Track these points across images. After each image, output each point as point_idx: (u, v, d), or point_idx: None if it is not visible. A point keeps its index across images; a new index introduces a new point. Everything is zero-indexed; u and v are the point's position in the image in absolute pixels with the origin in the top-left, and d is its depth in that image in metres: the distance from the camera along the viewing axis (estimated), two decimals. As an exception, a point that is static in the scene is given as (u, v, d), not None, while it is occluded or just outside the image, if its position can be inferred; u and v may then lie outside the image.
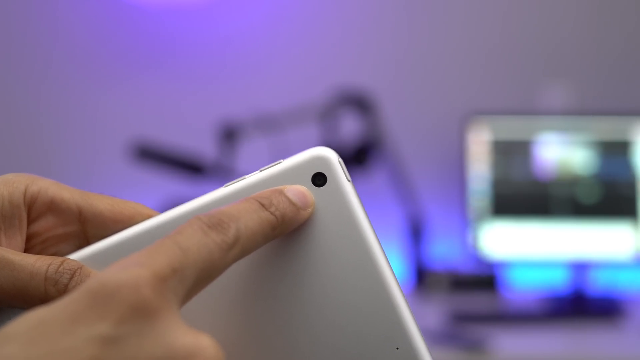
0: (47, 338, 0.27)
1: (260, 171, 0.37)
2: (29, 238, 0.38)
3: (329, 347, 0.36)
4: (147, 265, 0.29)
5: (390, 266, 0.36)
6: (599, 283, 1.88)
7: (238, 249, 0.32)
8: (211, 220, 0.32)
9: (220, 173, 1.82)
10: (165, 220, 0.37)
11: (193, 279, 0.30)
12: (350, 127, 1.90)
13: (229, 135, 1.85)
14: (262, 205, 0.34)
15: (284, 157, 0.38)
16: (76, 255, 0.37)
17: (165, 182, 1.96)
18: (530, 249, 1.85)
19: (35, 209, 0.38)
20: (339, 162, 0.37)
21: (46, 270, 0.35)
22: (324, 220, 0.36)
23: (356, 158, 1.81)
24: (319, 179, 0.36)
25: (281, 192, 0.35)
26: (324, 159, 0.36)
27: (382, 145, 1.86)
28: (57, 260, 0.35)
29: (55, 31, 2.11)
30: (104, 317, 0.27)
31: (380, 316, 0.35)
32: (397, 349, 0.35)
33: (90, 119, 2.11)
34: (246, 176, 0.37)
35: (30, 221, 0.38)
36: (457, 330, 1.58)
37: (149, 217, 0.38)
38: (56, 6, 2.10)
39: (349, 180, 0.36)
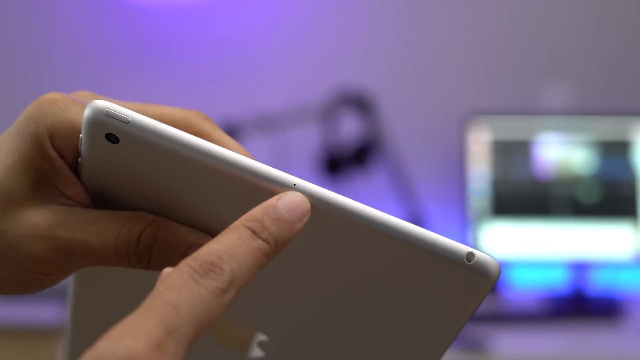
0: None
1: None
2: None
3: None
4: (141, 334, 0.27)
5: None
6: (599, 283, 1.88)
7: (233, 290, 0.30)
8: (202, 266, 0.30)
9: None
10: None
11: (190, 335, 0.29)
12: (350, 127, 1.90)
13: (229, 135, 1.85)
14: (254, 232, 0.31)
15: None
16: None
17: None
18: (530, 249, 1.85)
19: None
20: (106, 112, 0.33)
21: (126, 252, 0.35)
22: (146, 164, 0.34)
23: (356, 158, 1.81)
24: (112, 139, 0.33)
25: (275, 208, 0.32)
26: (96, 122, 0.33)
27: (382, 145, 1.86)
28: (133, 238, 0.35)
29: (55, 31, 2.10)
30: None
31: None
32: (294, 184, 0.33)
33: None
34: None
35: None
36: (457, 330, 1.58)
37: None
38: (55, 6, 2.10)
39: (127, 120, 0.33)
